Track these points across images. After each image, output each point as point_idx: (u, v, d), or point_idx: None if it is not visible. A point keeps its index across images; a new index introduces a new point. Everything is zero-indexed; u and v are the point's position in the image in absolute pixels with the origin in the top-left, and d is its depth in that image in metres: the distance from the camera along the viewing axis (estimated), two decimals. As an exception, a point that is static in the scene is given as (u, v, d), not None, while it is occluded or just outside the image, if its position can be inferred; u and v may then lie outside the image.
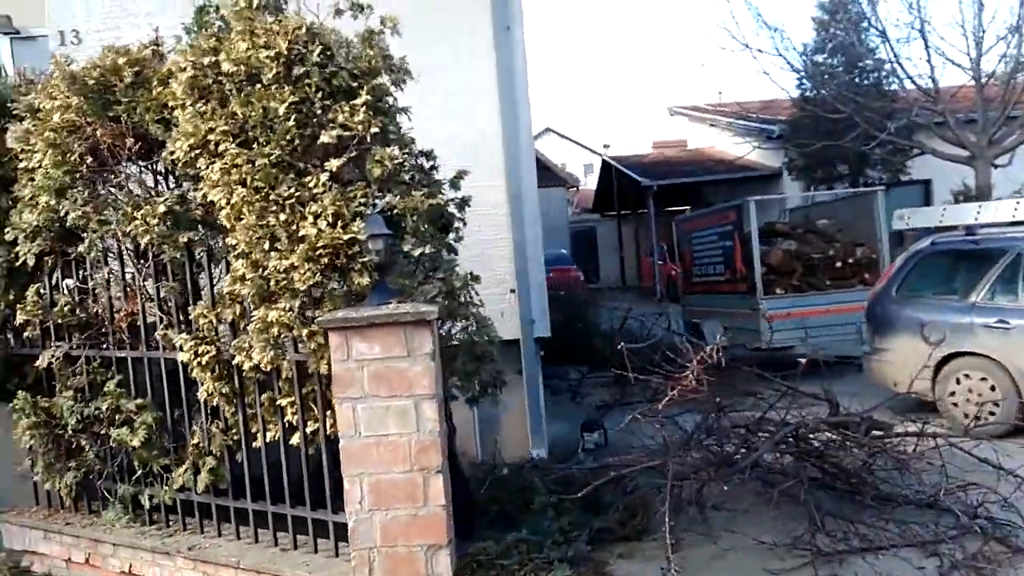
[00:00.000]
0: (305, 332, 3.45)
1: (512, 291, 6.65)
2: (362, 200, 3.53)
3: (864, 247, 9.73)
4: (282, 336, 3.49)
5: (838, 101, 13.20)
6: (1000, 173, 12.33)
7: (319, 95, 3.59)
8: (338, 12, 3.97)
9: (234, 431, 3.90)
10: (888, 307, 7.26)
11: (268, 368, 3.56)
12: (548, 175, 28.62)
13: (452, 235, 4.56)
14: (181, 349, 3.76)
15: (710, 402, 5.43)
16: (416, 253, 3.52)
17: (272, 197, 3.52)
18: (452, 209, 4.40)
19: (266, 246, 3.51)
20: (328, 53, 3.66)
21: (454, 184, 4.08)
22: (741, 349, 9.67)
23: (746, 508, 4.71)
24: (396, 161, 3.56)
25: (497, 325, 6.63)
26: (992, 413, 6.11)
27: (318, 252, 3.40)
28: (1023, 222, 6.55)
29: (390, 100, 3.88)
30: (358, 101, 3.55)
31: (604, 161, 26.54)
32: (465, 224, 4.63)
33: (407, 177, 3.64)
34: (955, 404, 6.40)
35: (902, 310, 7.07)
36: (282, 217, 3.49)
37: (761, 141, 18.20)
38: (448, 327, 3.86)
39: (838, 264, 9.60)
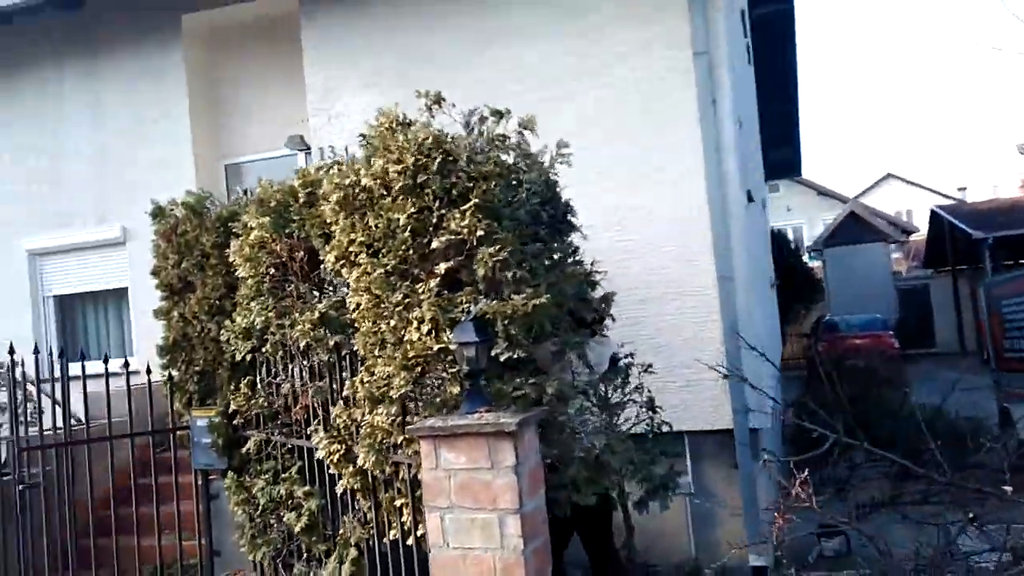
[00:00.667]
0: (401, 438, 3.51)
1: (724, 377, 6.11)
2: (465, 305, 3.53)
3: None
4: (383, 440, 3.59)
5: None
6: None
7: (437, 203, 3.70)
8: (482, 119, 4.11)
9: (370, 525, 4.06)
10: None
11: (375, 471, 3.67)
12: (866, 229, 26.01)
13: (597, 331, 4.37)
14: (318, 447, 4.04)
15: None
16: (503, 358, 3.39)
17: (384, 304, 3.67)
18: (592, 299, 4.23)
19: (376, 352, 3.67)
20: (450, 159, 3.77)
21: (572, 272, 3.90)
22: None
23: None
24: (498, 259, 3.51)
25: (707, 415, 6.20)
26: None
27: (412, 361, 3.46)
28: None
29: (509, 197, 3.86)
30: (467, 205, 3.58)
31: (932, 211, 23.40)
32: (614, 320, 4.40)
33: (510, 276, 3.54)
34: None
35: None
36: (392, 323, 3.62)
37: None
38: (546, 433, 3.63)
39: None
